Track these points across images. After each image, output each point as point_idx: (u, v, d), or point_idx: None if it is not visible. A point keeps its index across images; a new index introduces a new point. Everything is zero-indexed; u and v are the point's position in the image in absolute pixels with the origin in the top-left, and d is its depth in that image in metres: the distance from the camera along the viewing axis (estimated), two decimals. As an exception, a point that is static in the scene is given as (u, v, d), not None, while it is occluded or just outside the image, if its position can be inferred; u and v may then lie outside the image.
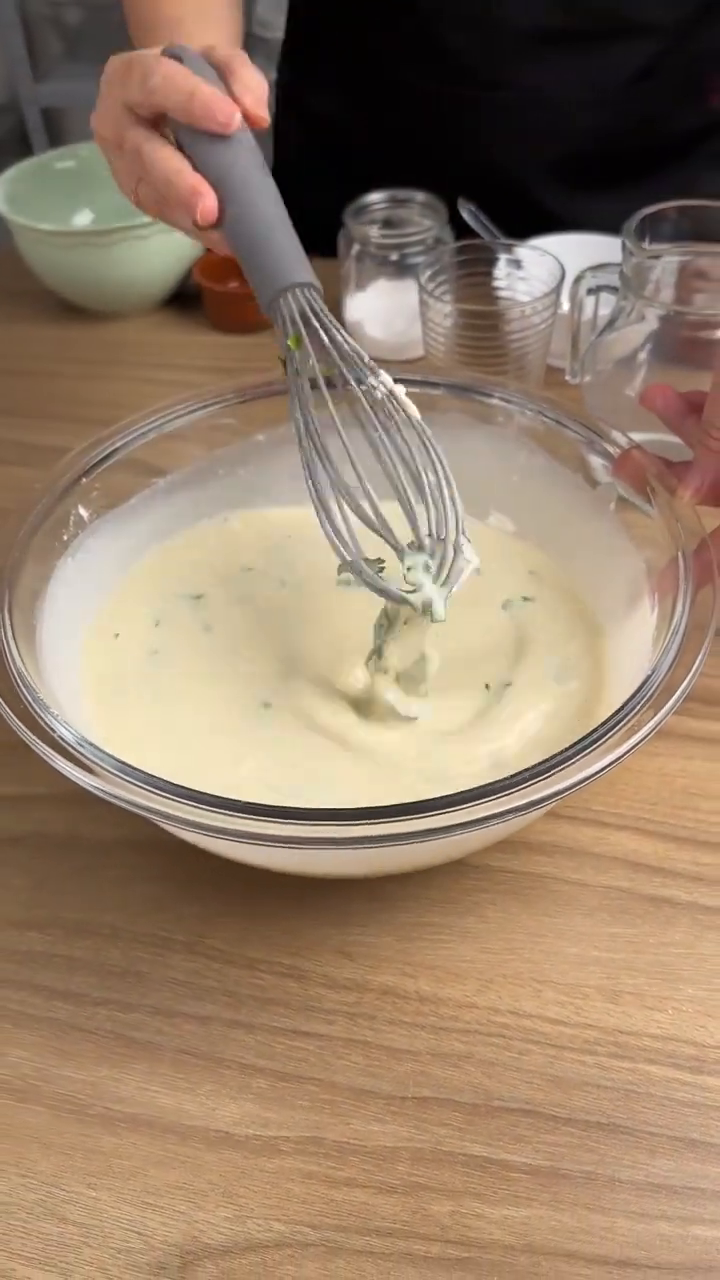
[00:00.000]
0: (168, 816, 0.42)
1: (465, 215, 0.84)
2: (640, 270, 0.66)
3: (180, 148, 0.53)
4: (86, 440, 0.59)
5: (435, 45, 0.86)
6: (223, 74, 0.54)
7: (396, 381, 0.61)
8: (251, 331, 0.89)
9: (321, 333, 0.49)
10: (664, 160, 0.94)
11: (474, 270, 0.77)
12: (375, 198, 0.83)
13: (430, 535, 0.48)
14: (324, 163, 1.00)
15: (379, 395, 0.49)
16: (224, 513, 0.64)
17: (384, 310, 0.84)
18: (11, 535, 0.53)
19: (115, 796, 0.42)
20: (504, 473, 0.62)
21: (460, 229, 0.85)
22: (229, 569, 0.62)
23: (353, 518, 0.47)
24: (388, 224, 0.84)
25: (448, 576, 0.48)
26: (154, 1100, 0.46)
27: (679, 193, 0.92)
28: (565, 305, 0.75)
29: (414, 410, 0.50)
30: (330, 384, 0.49)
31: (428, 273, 0.73)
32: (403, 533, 0.48)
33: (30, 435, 0.82)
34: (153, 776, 0.42)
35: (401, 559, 0.48)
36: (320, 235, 0.99)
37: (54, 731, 0.44)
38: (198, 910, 0.52)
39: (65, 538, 0.56)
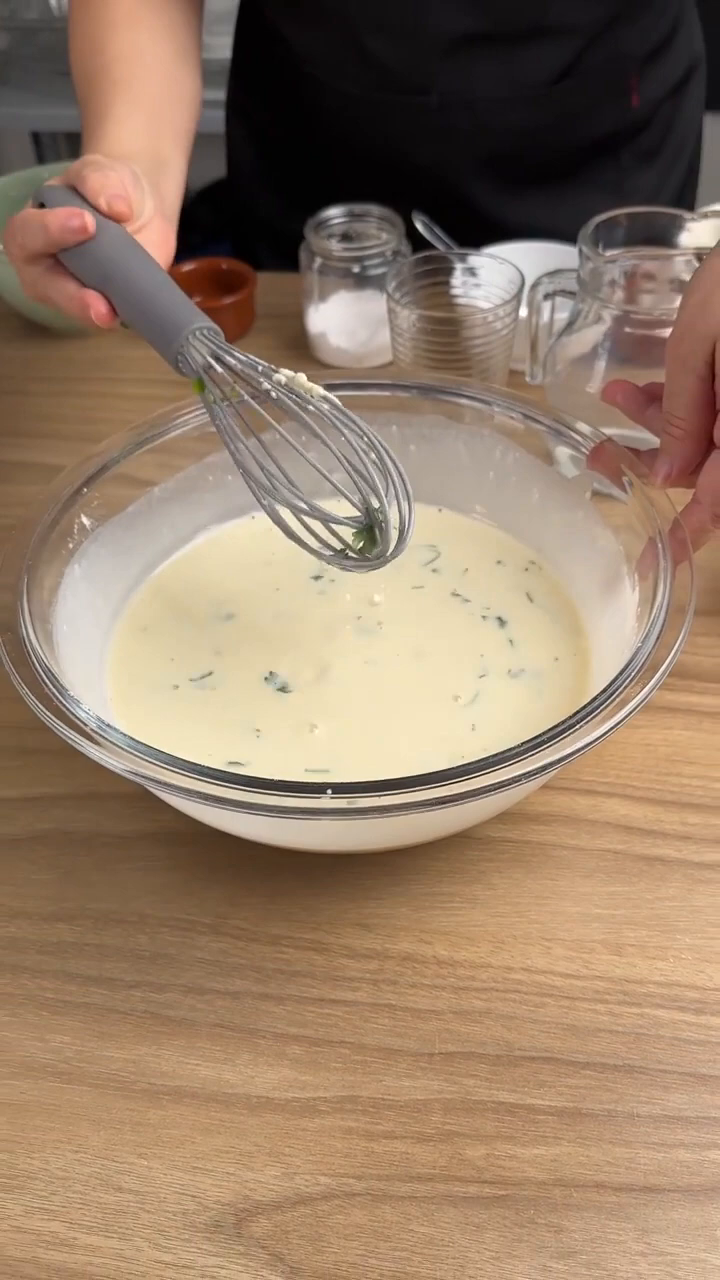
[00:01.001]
0: (201, 796, 0.44)
1: (420, 227, 0.88)
2: (596, 274, 0.70)
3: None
4: (80, 456, 0.62)
5: (359, 51, 0.89)
6: (75, 187, 0.58)
7: (368, 388, 0.65)
8: (216, 345, 0.92)
9: (220, 365, 0.52)
10: (591, 159, 0.97)
11: (435, 280, 0.80)
12: (333, 212, 0.86)
13: (378, 507, 0.50)
14: (271, 171, 1.03)
15: (300, 395, 0.51)
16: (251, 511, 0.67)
17: (346, 320, 0.87)
18: (23, 542, 0.55)
19: (137, 775, 0.45)
20: (480, 470, 0.65)
21: (416, 240, 0.88)
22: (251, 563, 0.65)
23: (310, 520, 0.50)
24: (346, 237, 0.87)
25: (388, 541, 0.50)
26: (194, 1072, 0.48)
27: (608, 191, 0.96)
28: (523, 311, 0.79)
29: (320, 390, 0.51)
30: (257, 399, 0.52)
31: (394, 283, 0.76)
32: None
33: (4, 453, 0.84)
34: (183, 760, 0.45)
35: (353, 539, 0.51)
36: (273, 242, 1.01)
37: (80, 719, 0.47)
38: (220, 894, 0.54)
39: (71, 545, 0.58)
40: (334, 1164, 0.45)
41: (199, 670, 0.59)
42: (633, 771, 0.58)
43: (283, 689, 0.57)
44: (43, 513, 0.57)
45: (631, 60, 0.93)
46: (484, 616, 0.61)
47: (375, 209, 0.86)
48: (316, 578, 0.64)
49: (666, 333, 0.69)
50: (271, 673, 0.58)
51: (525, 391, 0.68)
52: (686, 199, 1.08)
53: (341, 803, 0.43)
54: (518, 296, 0.75)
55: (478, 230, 0.90)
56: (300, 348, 0.91)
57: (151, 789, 0.46)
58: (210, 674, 0.58)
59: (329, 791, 0.43)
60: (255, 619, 0.62)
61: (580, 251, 0.69)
